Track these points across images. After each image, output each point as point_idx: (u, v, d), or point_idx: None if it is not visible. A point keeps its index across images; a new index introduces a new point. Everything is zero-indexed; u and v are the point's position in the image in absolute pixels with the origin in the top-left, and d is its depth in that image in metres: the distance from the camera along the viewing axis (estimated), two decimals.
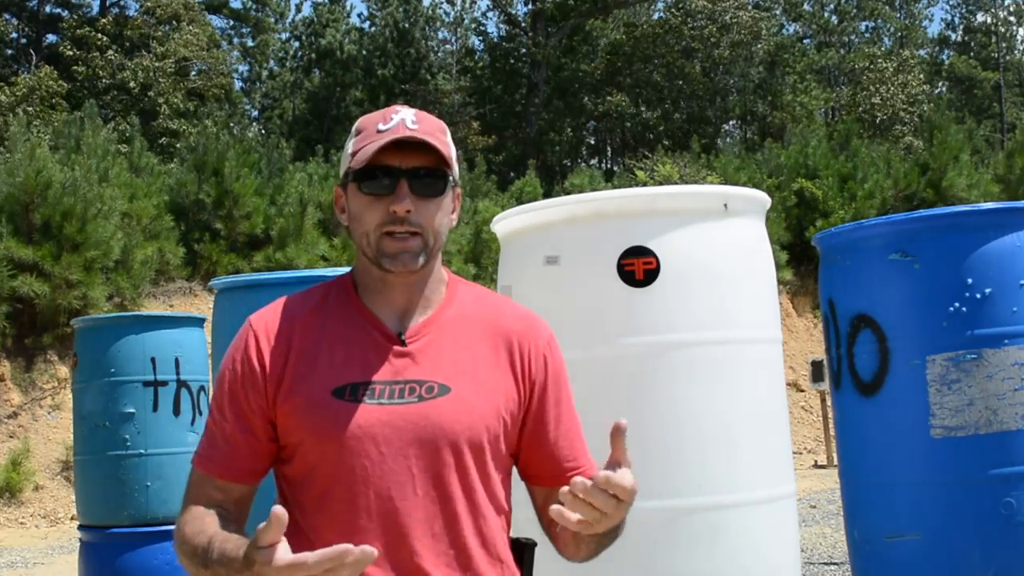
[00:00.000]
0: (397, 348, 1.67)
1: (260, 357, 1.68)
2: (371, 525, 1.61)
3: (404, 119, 1.66)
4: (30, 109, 19.45)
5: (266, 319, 1.72)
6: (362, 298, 1.72)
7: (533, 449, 1.75)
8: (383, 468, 1.62)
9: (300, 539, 1.62)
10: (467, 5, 27.32)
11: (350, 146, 1.71)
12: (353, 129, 1.74)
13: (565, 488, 1.48)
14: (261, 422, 1.68)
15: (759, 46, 26.37)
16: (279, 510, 1.37)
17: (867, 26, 33.76)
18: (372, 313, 1.70)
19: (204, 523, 1.62)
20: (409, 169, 1.65)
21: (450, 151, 1.69)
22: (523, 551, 1.77)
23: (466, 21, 27.47)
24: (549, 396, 1.75)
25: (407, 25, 26.63)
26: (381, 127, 1.66)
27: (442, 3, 27.49)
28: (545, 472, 1.76)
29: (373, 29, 27.26)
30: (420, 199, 1.65)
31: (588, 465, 1.77)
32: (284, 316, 1.72)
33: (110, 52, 22.78)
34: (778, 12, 30.66)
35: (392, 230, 1.64)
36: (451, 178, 1.69)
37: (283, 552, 1.40)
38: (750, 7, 27.10)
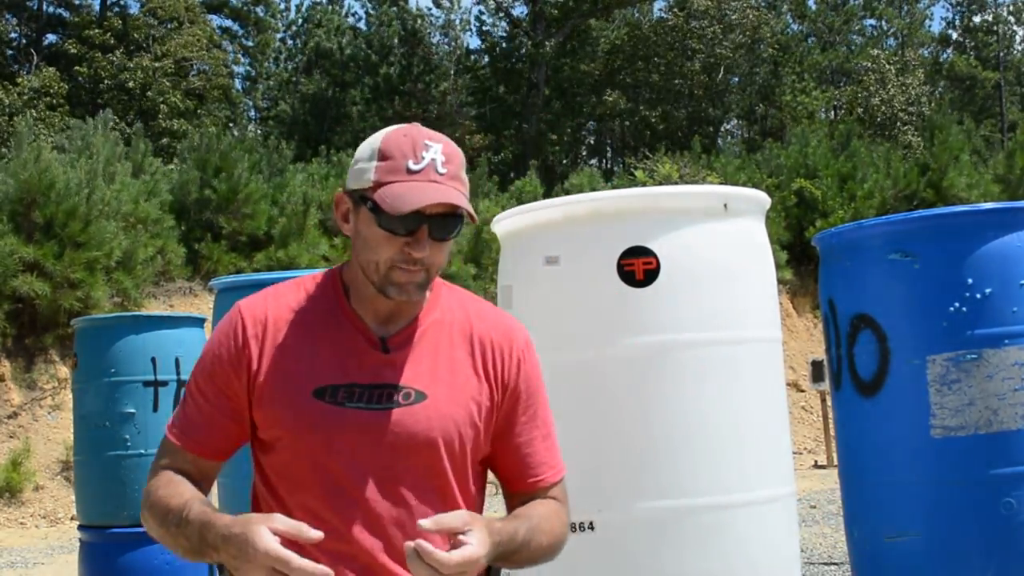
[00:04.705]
0: (379, 354, 1.71)
1: (246, 344, 1.71)
2: (342, 527, 1.65)
3: (435, 161, 1.65)
4: (34, 112, 19.42)
5: (255, 308, 1.75)
6: (351, 301, 1.75)
7: (502, 452, 1.78)
8: (358, 471, 1.66)
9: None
10: (455, 6, 27.22)
11: (371, 170, 1.67)
12: (375, 148, 1.68)
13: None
14: (236, 405, 1.72)
15: (763, 48, 26.32)
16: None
17: (871, 24, 33.75)
18: (359, 317, 1.73)
19: (180, 488, 1.70)
20: (432, 215, 1.64)
21: (467, 189, 1.70)
22: (487, 571, 1.72)
23: (458, 22, 27.36)
24: (520, 400, 1.78)
25: (405, 24, 26.58)
26: (412, 167, 1.64)
27: (431, 8, 27.42)
28: (512, 475, 1.80)
29: (371, 29, 27.21)
30: (436, 241, 1.66)
31: (554, 470, 1.80)
32: (273, 308, 1.74)
33: (112, 54, 22.74)
34: (783, 11, 30.57)
35: (403, 267, 1.66)
36: (465, 217, 1.69)
37: (271, 538, 1.48)
38: (756, 5, 27.01)
